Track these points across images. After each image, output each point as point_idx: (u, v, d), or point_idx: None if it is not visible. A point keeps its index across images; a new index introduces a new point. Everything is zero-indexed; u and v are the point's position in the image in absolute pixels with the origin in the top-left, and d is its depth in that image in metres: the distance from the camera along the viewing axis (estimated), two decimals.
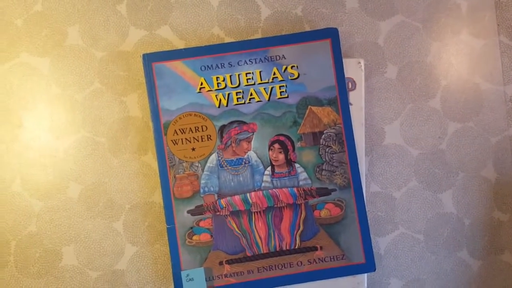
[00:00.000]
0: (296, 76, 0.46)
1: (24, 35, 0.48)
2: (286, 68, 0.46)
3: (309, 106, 0.46)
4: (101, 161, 0.47)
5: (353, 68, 0.47)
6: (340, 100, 0.46)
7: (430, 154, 0.49)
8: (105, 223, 0.47)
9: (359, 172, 0.45)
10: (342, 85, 0.46)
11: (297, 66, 0.46)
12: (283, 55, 0.46)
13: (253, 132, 0.45)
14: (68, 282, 0.47)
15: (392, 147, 0.49)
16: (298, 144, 0.45)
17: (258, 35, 0.49)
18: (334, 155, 0.45)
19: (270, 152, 0.45)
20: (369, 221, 0.47)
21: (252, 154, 0.45)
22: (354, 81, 0.47)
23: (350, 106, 0.46)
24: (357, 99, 0.47)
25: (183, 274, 0.44)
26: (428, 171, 0.49)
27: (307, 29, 0.49)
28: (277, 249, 0.45)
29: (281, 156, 0.45)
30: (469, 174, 0.49)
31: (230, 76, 0.46)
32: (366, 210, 0.45)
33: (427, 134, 0.49)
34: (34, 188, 0.47)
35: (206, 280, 0.44)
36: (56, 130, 0.47)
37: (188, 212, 0.45)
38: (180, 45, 0.48)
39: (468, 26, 0.50)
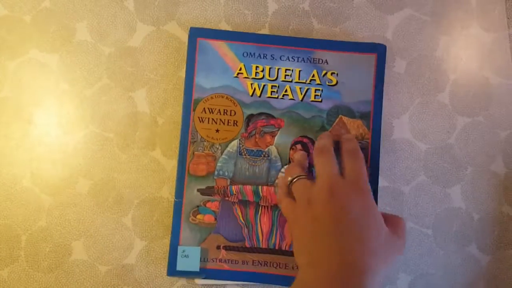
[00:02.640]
0: (334, 83, 0.45)
1: (33, 32, 0.48)
2: (326, 73, 0.45)
3: (340, 115, 0.45)
4: (109, 157, 0.48)
5: None
6: (373, 116, 0.45)
7: (438, 148, 0.49)
8: (114, 218, 0.47)
9: (377, 190, 0.45)
10: (379, 102, 0.45)
11: (337, 74, 0.45)
12: (326, 60, 0.45)
13: (279, 128, 0.45)
14: (78, 276, 0.47)
15: (401, 142, 0.49)
16: None
17: (266, 30, 0.49)
18: None
19: (291, 151, 0.45)
20: None
21: (273, 149, 0.46)
22: None
23: None
24: None
25: (180, 249, 0.45)
26: (436, 166, 0.49)
27: (314, 23, 0.49)
28: (276, 248, 0.45)
29: None
30: (478, 169, 0.49)
31: (270, 68, 0.46)
32: None
33: (436, 129, 0.49)
34: (44, 184, 0.47)
35: (200, 260, 0.45)
36: (65, 126, 0.48)
37: (198, 190, 0.45)
38: (187, 40, 0.48)
39: (477, 20, 0.49)
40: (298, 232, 0.38)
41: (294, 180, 0.40)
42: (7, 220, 0.47)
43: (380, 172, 0.48)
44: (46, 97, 0.48)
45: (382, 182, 0.48)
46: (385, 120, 0.49)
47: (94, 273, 0.47)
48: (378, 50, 0.46)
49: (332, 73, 0.46)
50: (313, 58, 0.46)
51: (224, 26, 0.49)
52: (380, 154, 0.48)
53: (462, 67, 0.49)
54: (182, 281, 0.47)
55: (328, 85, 0.46)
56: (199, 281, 0.46)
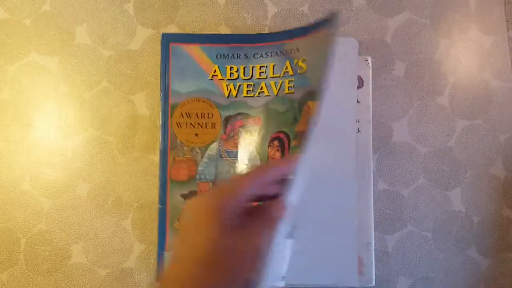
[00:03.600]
0: (304, 69, 0.45)
1: (33, 35, 0.48)
2: (298, 62, 0.45)
3: (307, 102, 0.44)
4: (109, 160, 0.48)
5: (361, 66, 0.47)
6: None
7: (438, 151, 0.49)
8: (114, 221, 0.47)
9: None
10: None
11: (306, 59, 0.45)
12: (297, 48, 0.45)
13: (257, 126, 0.45)
14: (78, 279, 0.47)
15: (400, 145, 0.49)
16: (293, 143, 0.45)
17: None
18: None
19: (269, 148, 0.45)
20: (377, 219, 0.47)
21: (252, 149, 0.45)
22: (361, 79, 0.47)
23: (357, 104, 0.46)
24: (364, 97, 0.47)
25: (167, 254, 0.45)
26: (436, 169, 0.49)
27: None
28: None
29: (278, 154, 0.45)
30: (477, 172, 0.49)
31: (244, 67, 0.46)
32: (373, 208, 0.45)
33: (435, 132, 0.49)
34: (43, 187, 0.47)
35: None
36: (64, 129, 0.48)
37: (181, 196, 0.45)
38: None
39: (476, 23, 0.50)
40: None
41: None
42: (6, 224, 0.47)
43: (379, 175, 0.48)
44: (45, 100, 0.48)
45: (381, 185, 0.48)
46: (384, 123, 0.49)
47: (94, 277, 0.47)
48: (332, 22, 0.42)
49: (303, 60, 0.45)
50: (286, 50, 0.45)
51: (224, 30, 0.49)
52: (380, 157, 0.48)
53: (461, 70, 0.49)
54: None
55: (299, 73, 0.45)
56: None
